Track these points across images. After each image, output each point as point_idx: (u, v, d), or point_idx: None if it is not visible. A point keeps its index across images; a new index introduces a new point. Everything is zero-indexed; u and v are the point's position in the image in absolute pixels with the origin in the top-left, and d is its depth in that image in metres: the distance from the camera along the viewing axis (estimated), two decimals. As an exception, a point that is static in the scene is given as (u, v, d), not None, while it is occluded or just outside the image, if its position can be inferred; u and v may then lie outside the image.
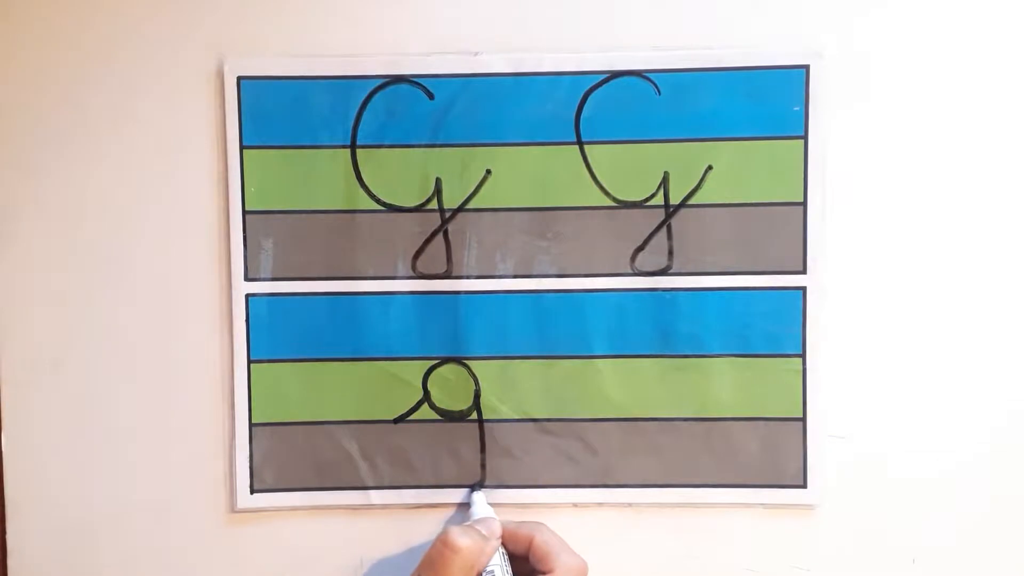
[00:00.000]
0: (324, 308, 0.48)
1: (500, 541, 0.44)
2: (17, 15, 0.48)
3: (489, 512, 0.47)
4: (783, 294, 0.48)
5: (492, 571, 0.43)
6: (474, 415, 0.48)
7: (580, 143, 0.48)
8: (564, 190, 0.48)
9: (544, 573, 0.43)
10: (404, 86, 0.48)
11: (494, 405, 0.48)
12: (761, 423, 0.48)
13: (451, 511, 0.49)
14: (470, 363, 0.48)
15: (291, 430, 0.48)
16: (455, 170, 0.48)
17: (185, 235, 0.48)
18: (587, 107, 0.47)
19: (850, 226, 0.48)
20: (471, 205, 0.48)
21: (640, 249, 0.48)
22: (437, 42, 0.48)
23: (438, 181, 0.48)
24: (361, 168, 0.48)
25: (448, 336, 0.48)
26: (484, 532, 0.44)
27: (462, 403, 0.49)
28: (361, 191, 0.48)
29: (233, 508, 0.49)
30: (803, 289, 0.48)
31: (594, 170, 0.48)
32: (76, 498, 0.49)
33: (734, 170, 0.47)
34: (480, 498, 0.47)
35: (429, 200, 0.48)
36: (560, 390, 0.48)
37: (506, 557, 0.44)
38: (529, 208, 0.48)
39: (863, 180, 0.48)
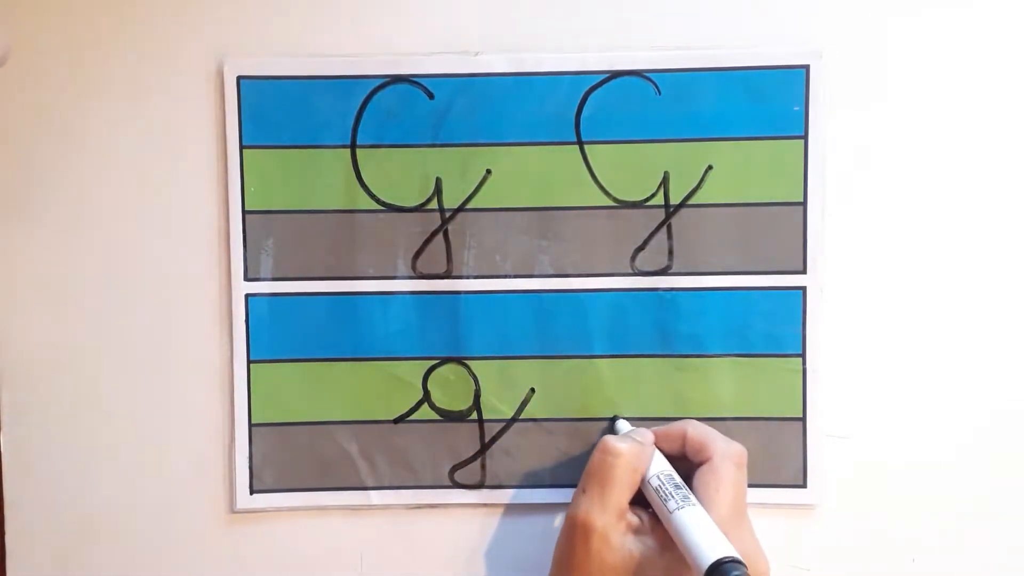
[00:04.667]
0: (324, 308, 0.48)
1: (654, 447, 0.44)
2: (17, 15, 0.48)
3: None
4: (783, 294, 0.48)
5: (669, 474, 0.42)
6: (474, 415, 0.48)
7: (580, 143, 0.48)
8: (564, 190, 0.48)
9: (703, 462, 0.43)
10: (404, 86, 0.48)
11: (494, 405, 0.48)
12: (761, 423, 0.48)
13: (451, 511, 0.49)
14: (470, 363, 0.48)
15: (291, 430, 0.48)
16: (455, 170, 0.48)
17: (185, 235, 0.48)
18: (587, 107, 0.47)
19: (850, 226, 0.48)
20: (471, 205, 0.48)
21: (640, 249, 0.48)
22: (437, 42, 0.48)
23: (438, 181, 0.48)
24: (361, 168, 0.48)
25: (448, 336, 0.48)
26: (638, 438, 0.44)
27: (462, 403, 0.48)
28: (361, 191, 0.48)
29: (233, 508, 0.49)
30: (803, 289, 0.48)
31: (594, 170, 0.48)
32: (76, 498, 0.49)
33: (734, 170, 0.47)
34: (624, 424, 0.47)
35: (429, 200, 0.48)
36: (560, 390, 0.48)
37: (664, 459, 0.44)
38: (529, 208, 0.48)
39: (863, 180, 0.48)
